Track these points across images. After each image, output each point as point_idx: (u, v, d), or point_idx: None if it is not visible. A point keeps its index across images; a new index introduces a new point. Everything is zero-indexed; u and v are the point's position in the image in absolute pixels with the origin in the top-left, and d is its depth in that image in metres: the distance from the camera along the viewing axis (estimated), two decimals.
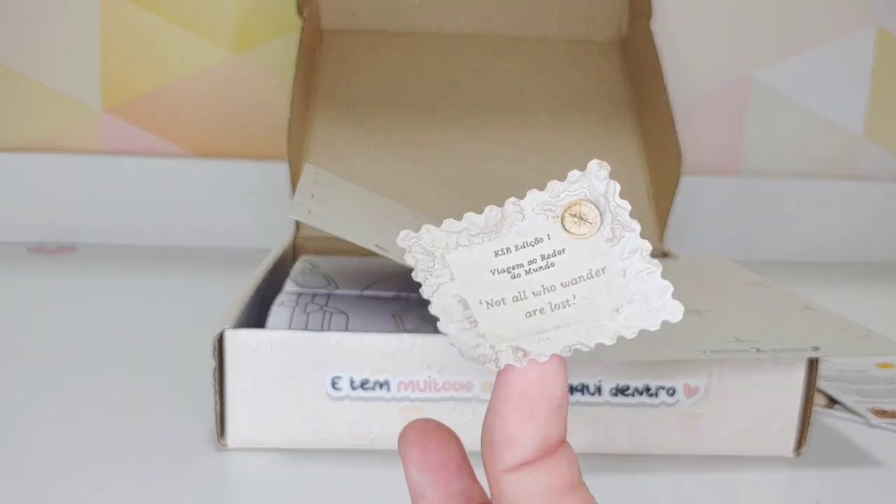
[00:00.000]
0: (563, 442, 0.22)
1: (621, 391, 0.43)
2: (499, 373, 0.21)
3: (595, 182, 0.22)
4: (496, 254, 0.22)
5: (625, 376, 0.43)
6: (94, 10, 0.76)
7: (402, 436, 0.24)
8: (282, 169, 0.64)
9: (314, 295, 0.49)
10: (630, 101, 0.72)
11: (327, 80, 0.70)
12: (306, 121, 0.68)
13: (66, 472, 0.41)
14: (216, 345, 0.42)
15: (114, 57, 0.77)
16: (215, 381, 0.42)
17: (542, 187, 0.23)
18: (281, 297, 0.48)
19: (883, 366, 0.56)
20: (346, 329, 0.45)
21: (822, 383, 0.52)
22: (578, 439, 0.43)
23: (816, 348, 0.41)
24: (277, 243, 0.59)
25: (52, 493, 0.39)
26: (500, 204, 0.23)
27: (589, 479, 0.22)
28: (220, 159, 0.78)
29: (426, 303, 0.22)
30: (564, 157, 0.66)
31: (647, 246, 0.22)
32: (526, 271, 0.22)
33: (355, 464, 0.42)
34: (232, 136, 0.79)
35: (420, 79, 0.70)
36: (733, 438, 0.44)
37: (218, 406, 0.43)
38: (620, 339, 0.22)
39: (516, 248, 0.22)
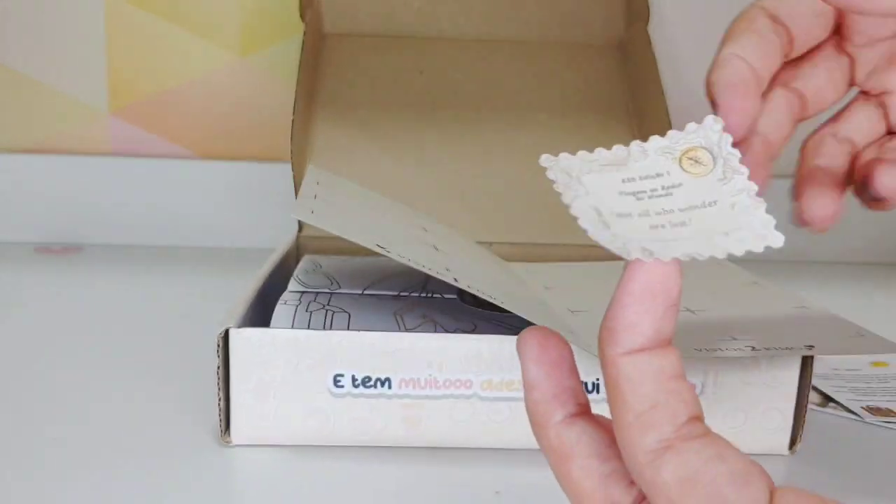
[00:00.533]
0: (671, 340, 0.25)
1: None
2: (625, 269, 0.25)
3: (710, 133, 0.25)
4: (623, 181, 0.26)
5: None
6: (98, 14, 0.77)
7: (523, 336, 0.27)
8: (285, 170, 0.65)
9: (317, 294, 0.49)
10: (627, 103, 0.72)
11: (329, 82, 0.70)
12: (309, 123, 0.68)
13: (70, 470, 0.41)
14: (220, 343, 0.43)
15: (120, 60, 0.78)
16: (219, 378, 0.43)
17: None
18: (284, 297, 0.49)
19: (877, 364, 0.57)
20: (348, 328, 0.45)
21: (816, 381, 0.53)
22: None
23: (811, 347, 0.42)
24: (281, 243, 0.60)
25: (56, 491, 0.40)
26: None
27: None
28: (224, 161, 0.79)
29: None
30: None
31: (754, 187, 0.25)
32: (649, 196, 0.25)
33: (358, 460, 0.43)
34: (236, 137, 0.80)
35: (420, 81, 0.71)
36: (728, 436, 0.44)
37: (222, 403, 0.43)
38: (730, 255, 0.25)
39: (640, 178, 0.26)
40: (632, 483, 0.26)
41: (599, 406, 0.44)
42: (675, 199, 0.25)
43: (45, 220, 0.78)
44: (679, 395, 0.25)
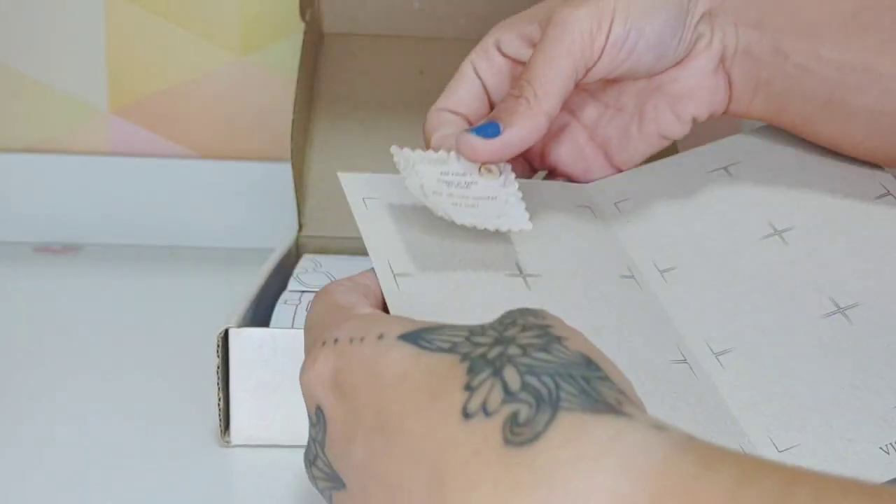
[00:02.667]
0: None
1: None
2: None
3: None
4: (441, 173, 0.37)
5: None
6: (99, 13, 0.77)
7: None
8: (285, 170, 0.65)
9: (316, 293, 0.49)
10: None
11: (329, 82, 0.70)
12: (309, 122, 0.68)
13: (70, 469, 0.42)
14: (220, 343, 0.43)
15: (120, 59, 0.78)
16: (219, 378, 0.43)
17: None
18: (284, 296, 0.49)
19: None
20: None
21: None
22: None
23: None
24: (281, 243, 0.60)
25: (56, 490, 0.40)
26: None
27: None
28: (224, 160, 0.79)
29: None
30: None
31: (520, 194, 0.38)
32: (456, 185, 0.37)
33: None
34: (237, 137, 0.80)
35: (421, 81, 0.71)
36: None
37: (222, 403, 0.43)
38: (497, 230, 0.36)
39: (452, 174, 0.38)
40: None
41: None
42: (471, 190, 0.37)
43: (44, 220, 0.78)
44: None
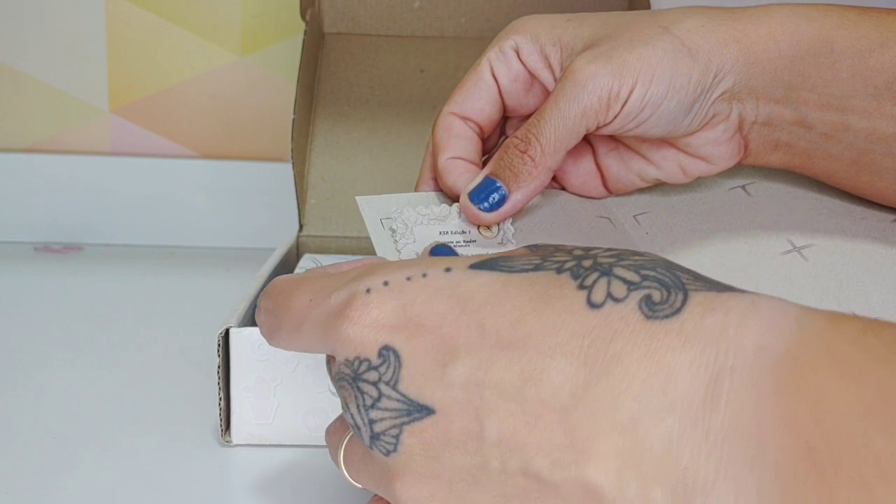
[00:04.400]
0: None
1: None
2: None
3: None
4: (440, 232, 0.39)
5: None
6: (99, 13, 0.77)
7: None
8: (285, 170, 0.65)
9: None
10: None
11: (330, 82, 0.70)
12: (310, 122, 0.68)
13: (70, 469, 0.42)
14: (221, 342, 0.43)
15: (120, 59, 0.78)
16: (220, 378, 0.43)
17: None
18: None
19: None
20: None
21: None
22: None
23: None
24: (281, 243, 0.60)
25: (56, 490, 0.40)
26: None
27: None
28: (225, 160, 0.79)
29: None
30: None
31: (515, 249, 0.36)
32: (455, 244, 0.38)
33: None
34: (237, 137, 0.80)
35: (421, 80, 0.71)
36: None
37: (222, 403, 0.43)
38: None
39: (452, 232, 0.39)
40: None
41: None
42: (471, 249, 0.39)
43: (45, 220, 0.78)
44: None
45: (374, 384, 0.29)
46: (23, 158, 0.78)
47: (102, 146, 0.79)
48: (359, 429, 0.29)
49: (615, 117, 0.39)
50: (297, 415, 0.43)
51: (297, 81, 0.65)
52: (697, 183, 0.45)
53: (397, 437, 0.29)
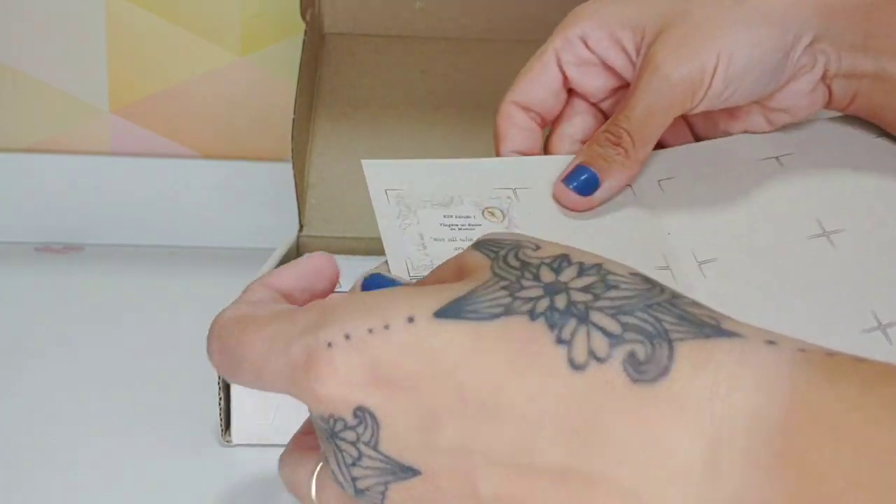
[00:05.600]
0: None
1: None
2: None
3: (503, 201, 0.39)
4: (444, 216, 0.37)
5: None
6: (99, 12, 0.77)
7: None
8: (285, 170, 0.65)
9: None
10: None
11: (330, 82, 0.70)
12: (309, 122, 0.68)
13: (70, 469, 0.42)
14: None
15: (120, 59, 0.78)
16: (220, 378, 0.43)
17: None
18: None
19: None
20: None
21: None
22: None
23: None
24: (281, 243, 0.60)
25: (57, 489, 0.40)
26: None
27: None
28: (225, 160, 0.79)
29: None
30: None
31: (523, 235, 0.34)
32: (459, 228, 0.37)
33: None
34: (237, 137, 0.80)
35: (423, 81, 0.71)
36: None
37: (222, 403, 0.43)
38: None
39: (456, 217, 0.38)
40: None
41: None
42: (475, 233, 0.36)
43: (45, 220, 0.78)
44: None
45: (353, 444, 0.28)
46: (23, 158, 0.78)
47: (102, 146, 0.79)
48: (341, 484, 0.28)
49: (701, 101, 0.39)
50: (297, 415, 0.43)
51: (298, 81, 0.65)
52: (729, 149, 0.43)
53: (383, 492, 0.28)
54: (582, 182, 0.39)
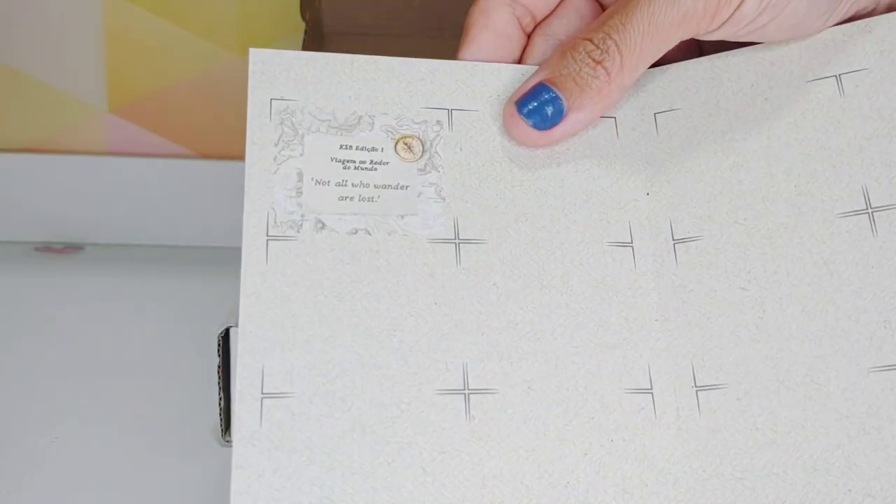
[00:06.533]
0: None
1: None
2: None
3: (430, 129, 0.29)
4: (340, 146, 0.28)
5: None
6: (98, 12, 0.77)
7: None
8: None
9: None
10: None
11: None
12: None
13: (70, 469, 0.42)
14: (220, 342, 0.42)
15: (119, 59, 0.78)
16: (220, 377, 0.43)
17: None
18: None
19: None
20: None
21: None
22: None
23: None
24: None
25: (57, 489, 0.40)
26: None
27: None
28: (224, 160, 0.79)
29: None
30: None
31: (443, 186, 0.28)
32: (356, 167, 0.28)
33: None
34: (236, 137, 0.80)
35: None
36: None
37: (222, 403, 0.43)
38: (393, 234, 0.27)
39: (357, 148, 0.28)
40: None
41: None
42: (376, 175, 0.28)
43: (45, 220, 0.78)
44: None
45: None
46: (21, 158, 0.78)
47: (101, 146, 0.79)
48: None
49: (722, 24, 0.29)
50: None
51: None
52: (770, 65, 0.31)
53: None
54: (539, 108, 0.29)
